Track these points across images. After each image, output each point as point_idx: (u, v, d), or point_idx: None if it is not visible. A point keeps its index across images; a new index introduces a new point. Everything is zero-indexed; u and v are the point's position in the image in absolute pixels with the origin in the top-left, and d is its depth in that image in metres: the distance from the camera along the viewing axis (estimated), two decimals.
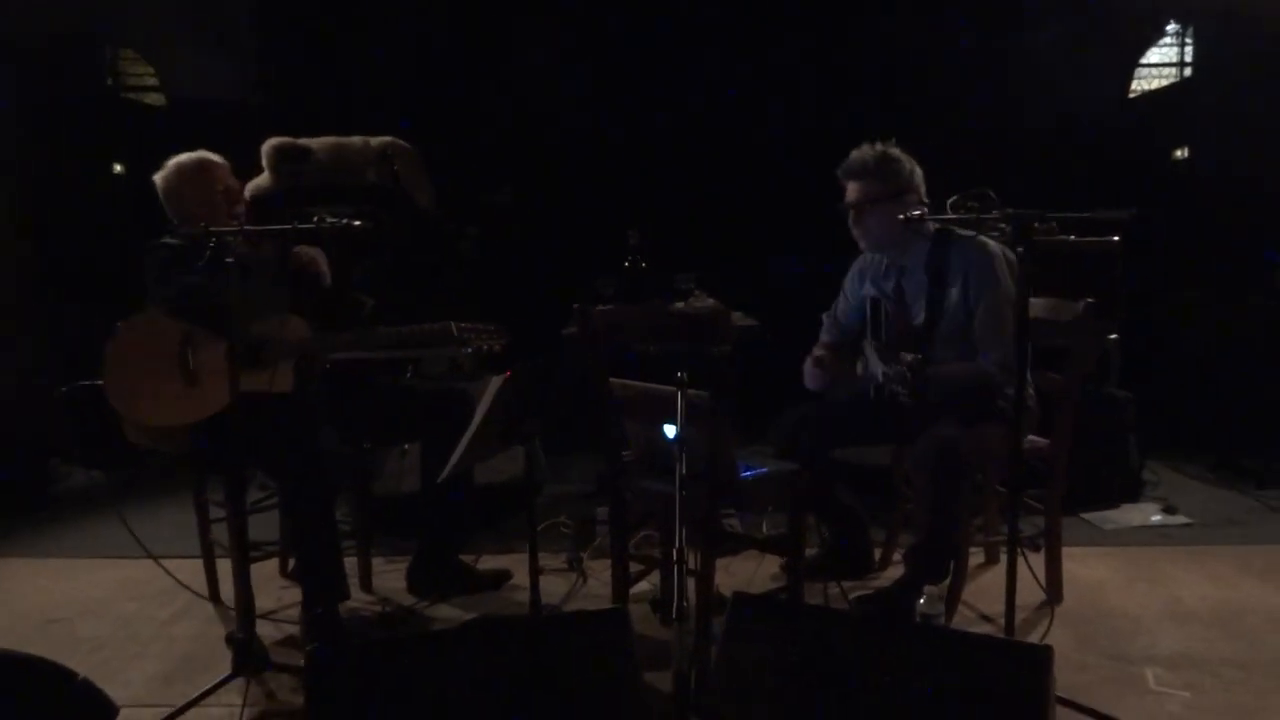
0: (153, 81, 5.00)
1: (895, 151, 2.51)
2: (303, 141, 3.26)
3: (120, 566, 2.92)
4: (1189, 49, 5.05)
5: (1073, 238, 3.46)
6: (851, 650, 1.63)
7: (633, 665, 1.68)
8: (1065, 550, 2.61)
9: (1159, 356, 4.17)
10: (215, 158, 2.57)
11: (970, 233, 2.43)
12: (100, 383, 2.36)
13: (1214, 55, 4.75)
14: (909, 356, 2.27)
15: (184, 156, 2.54)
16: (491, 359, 2.42)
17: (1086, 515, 3.31)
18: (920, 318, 2.53)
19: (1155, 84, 5.10)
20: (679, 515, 1.58)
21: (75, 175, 4.29)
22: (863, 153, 2.52)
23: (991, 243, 2.45)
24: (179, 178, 2.51)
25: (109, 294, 2.87)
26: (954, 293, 2.48)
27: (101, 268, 3.93)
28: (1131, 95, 5.00)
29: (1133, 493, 3.51)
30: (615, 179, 4.57)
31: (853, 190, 2.54)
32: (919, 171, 2.53)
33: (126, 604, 2.72)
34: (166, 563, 2.65)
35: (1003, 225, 2.39)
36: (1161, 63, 5.13)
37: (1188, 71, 5.04)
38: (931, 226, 2.47)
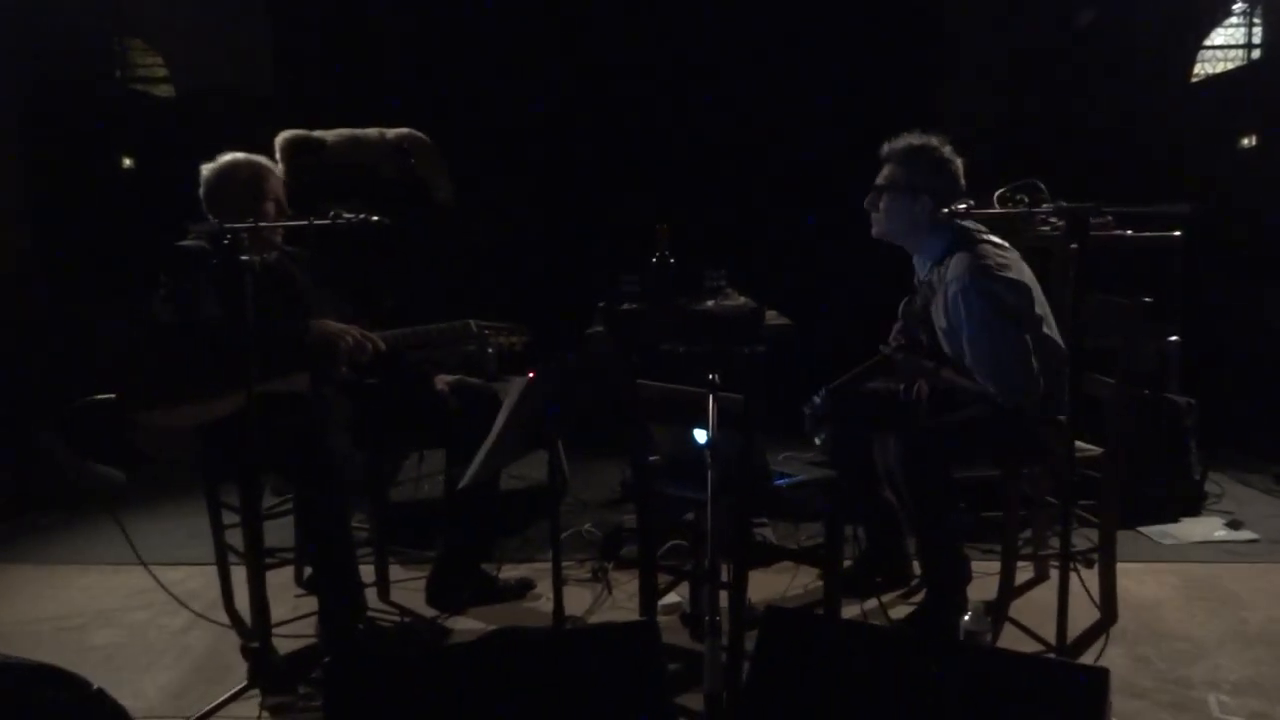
0: (162, 72, 5.10)
1: (932, 146, 2.47)
2: (317, 134, 3.31)
3: (132, 573, 2.98)
4: (1257, 30, 4.97)
5: (1130, 233, 3.43)
6: (891, 670, 1.63)
7: (661, 682, 1.69)
8: (1121, 566, 2.57)
9: (1224, 360, 4.10)
10: (272, 165, 2.60)
11: (989, 240, 2.39)
12: (111, 396, 2.39)
13: None
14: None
15: (240, 154, 2.54)
16: (513, 358, 2.44)
17: (1144, 530, 3.27)
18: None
19: (1220, 67, 5.03)
20: (710, 525, 1.59)
21: (82, 169, 4.38)
22: (901, 138, 2.52)
23: (983, 259, 2.36)
24: (231, 176, 2.50)
25: (114, 289, 2.93)
26: (937, 313, 2.47)
27: (108, 263, 4.01)
28: (1195, 80, 4.93)
29: (1194, 506, 3.45)
30: (643, 172, 4.58)
31: (883, 172, 2.55)
32: (953, 173, 2.47)
33: (139, 612, 2.78)
34: (180, 569, 2.70)
35: (1054, 220, 2.38)
36: (1227, 44, 5.05)
37: (1255, 54, 4.97)
38: (958, 227, 2.42)
